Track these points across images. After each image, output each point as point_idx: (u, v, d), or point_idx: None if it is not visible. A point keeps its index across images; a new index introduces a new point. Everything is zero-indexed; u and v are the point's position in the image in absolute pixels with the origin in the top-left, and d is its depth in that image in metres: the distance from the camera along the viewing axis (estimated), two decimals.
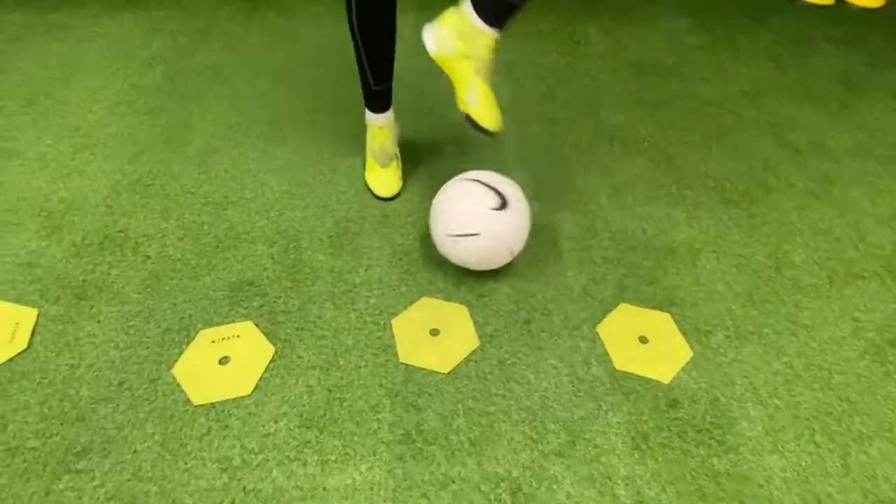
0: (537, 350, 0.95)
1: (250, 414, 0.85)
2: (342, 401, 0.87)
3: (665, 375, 0.91)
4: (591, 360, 0.93)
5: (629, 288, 1.05)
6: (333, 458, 0.80)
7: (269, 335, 0.95)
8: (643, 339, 0.96)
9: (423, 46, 0.96)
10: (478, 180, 0.99)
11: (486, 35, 0.89)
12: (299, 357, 0.92)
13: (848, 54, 1.74)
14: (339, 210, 1.19)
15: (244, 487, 0.77)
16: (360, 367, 0.91)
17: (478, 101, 1.02)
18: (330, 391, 0.88)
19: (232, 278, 1.05)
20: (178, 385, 0.88)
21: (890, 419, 0.87)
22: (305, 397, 0.87)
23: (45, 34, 1.75)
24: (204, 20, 1.83)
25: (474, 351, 0.94)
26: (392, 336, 0.95)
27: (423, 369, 0.91)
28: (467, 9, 0.90)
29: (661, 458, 0.82)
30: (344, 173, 1.28)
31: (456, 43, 0.96)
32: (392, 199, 1.19)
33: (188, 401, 0.86)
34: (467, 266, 1.02)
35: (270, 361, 0.91)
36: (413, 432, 0.83)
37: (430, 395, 0.88)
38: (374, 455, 0.81)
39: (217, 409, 0.85)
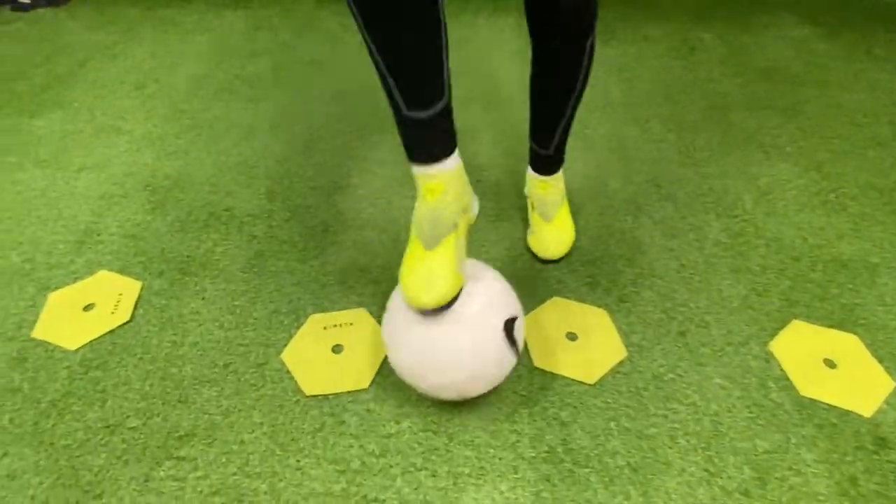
0: (698, 366, 0.80)
1: (368, 411, 0.75)
2: (471, 406, 0.75)
3: (866, 408, 0.74)
4: (767, 383, 0.78)
5: (798, 303, 0.89)
6: (467, 471, 0.68)
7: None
8: (829, 363, 0.80)
9: None
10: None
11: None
12: None
13: None
14: None
15: (365, 496, 0.66)
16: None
17: (531, 231, 0.93)
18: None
19: (342, 263, 0.97)
20: (288, 372, 0.79)
21: None
22: (429, 399, 0.76)
23: (154, 27, 1.82)
24: (304, 18, 1.85)
25: (621, 361, 0.81)
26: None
27: (561, 377, 0.78)
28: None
29: None
30: None
31: None
32: (438, 309, 0.65)
33: (298, 390, 0.77)
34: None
35: (387, 355, 0.82)
36: (559, 450, 0.70)
37: (575, 408, 0.75)
38: (516, 472, 0.68)
39: (331, 402, 0.76)
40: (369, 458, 0.69)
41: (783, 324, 0.85)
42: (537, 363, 0.79)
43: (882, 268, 0.95)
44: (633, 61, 1.60)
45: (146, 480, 0.67)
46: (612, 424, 0.72)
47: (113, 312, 0.86)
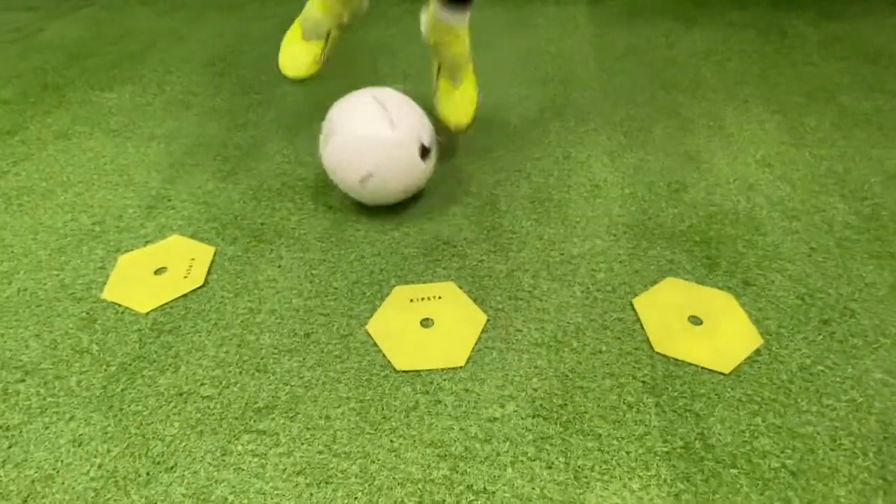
0: (852, 359, 0.69)
1: (467, 390, 0.66)
2: (585, 391, 0.66)
3: None
4: None
5: None
6: (589, 464, 0.59)
7: (476, 301, 0.77)
8: None
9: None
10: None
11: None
12: (518, 330, 0.73)
13: None
14: (536, 176, 1.02)
15: (470, 486, 0.57)
16: (600, 352, 0.70)
17: (438, 99, 0.97)
18: (566, 377, 0.67)
19: (424, 235, 0.89)
20: (374, 345, 0.72)
21: None
22: (535, 380, 0.67)
23: (218, 13, 1.82)
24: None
25: (758, 350, 0.70)
26: (636, 319, 0.74)
27: (688, 364, 0.68)
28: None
29: None
30: (535, 141, 1.12)
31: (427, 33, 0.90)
32: (301, 80, 0.97)
33: (387, 364, 0.69)
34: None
35: (482, 331, 0.74)
36: (697, 445, 0.60)
37: (710, 399, 0.65)
38: (647, 469, 0.58)
39: (423, 379, 0.67)
40: (472, 443, 0.60)
41: None
42: (658, 348, 0.69)
43: None
44: (719, 45, 1.50)
45: (223, 454, 0.60)
46: (758, 420, 0.62)
47: (185, 277, 0.81)
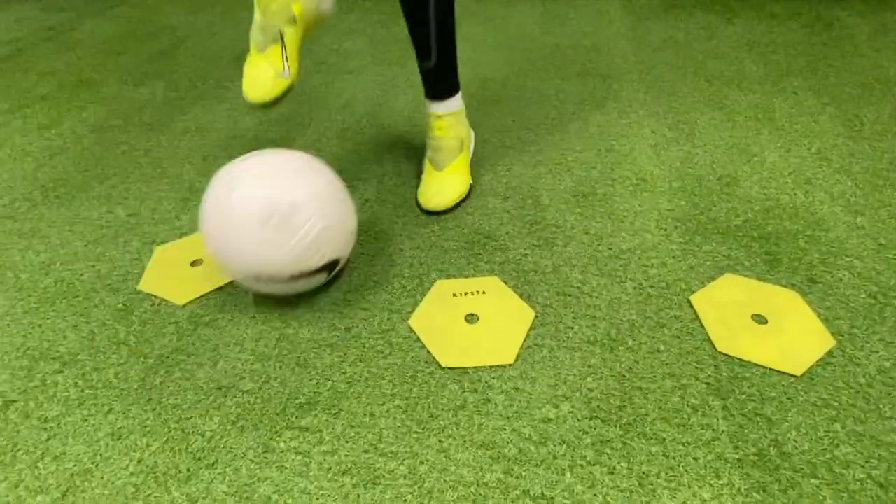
0: None
1: (517, 389, 0.63)
2: (645, 392, 0.62)
3: None
4: None
5: None
6: (654, 470, 0.55)
7: (522, 296, 0.73)
8: None
9: None
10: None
11: None
12: (568, 327, 0.70)
13: None
14: (578, 169, 0.98)
15: (527, 490, 0.54)
16: (658, 351, 0.66)
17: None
18: (623, 377, 0.64)
19: (464, 229, 0.86)
20: (417, 340, 0.69)
21: None
22: (590, 380, 0.63)
23: (249, 7, 1.81)
24: (394, 2, 1.83)
25: (830, 351, 0.66)
26: (695, 317, 0.70)
27: (754, 365, 0.63)
28: None
29: None
30: (576, 134, 1.08)
31: None
32: (266, 105, 0.77)
33: (432, 360, 0.66)
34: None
35: (530, 328, 0.71)
36: (772, 453, 0.56)
37: (781, 402, 0.61)
38: (718, 477, 0.54)
39: (471, 377, 0.65)
40: (527, 446, 0.57)
41: None
42: (720, 348, 0.65)
43: None
44: (762, 37, 1.45)
45: (265, 451, 0.58)
46: (837, 426, 0.57)
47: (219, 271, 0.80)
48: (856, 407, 0.58)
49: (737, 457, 0.55)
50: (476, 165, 1.01)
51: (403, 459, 0.56)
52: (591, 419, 0.59)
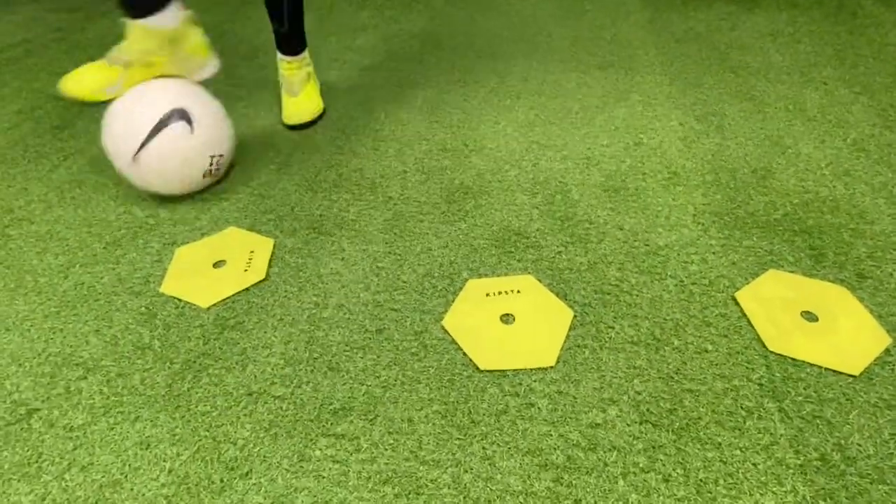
0: None
1: (560, 393, 0.61)
2: (696, 394, 0.59)
3: None
4: None
5: None
6: (712, 477, 0.53)
7: (559, 295, 0.70)
8: None
9: None
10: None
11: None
12: (609, 327, 0.67)
13: None
14: (607, 164, 0.96)
15: (579, 501, 0.50)
16: (706, 351, 0.64)
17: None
18: (671, 379, 0.61)
19: (493, 226, 0.84)
20: (452, 342, 0.66)
21: None
22: (637, 382, 0.61)
23: (258, 6, 1.77)
24: None
25: (887, 349, 0.63)
26: (741, 315, 0.67)
27: (808, 364, 0.60)
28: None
29: None
30: (602, 127, 1.06)
31: None
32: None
33: (469, 363, 0.64)
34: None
35: (570, 328, 0.68)
36: (835, 457, 0.54)
37: (840, 404, 0.58)
38: (780, 484, 0.52)
39: (511, 380, 0.62)
40: (575, 452, 0.55)
41: None
42: (771, 347, 0.62)
43: None
44: (786, 27, 1.41)
45: (301, 460, 0.56)
46: None
47: (246, 270, 0.77)
48: None
49: (798, 462, 0.52)
50: (501, 160, 0.98)
51: (446, 468, 0.54)
52: (640, 423, 0.56)
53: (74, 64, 1.48)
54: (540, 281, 0.73)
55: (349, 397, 0.60)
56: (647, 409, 0.57)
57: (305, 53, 1.13)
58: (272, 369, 0.64)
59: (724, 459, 0.53)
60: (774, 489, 0.50)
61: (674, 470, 0.52)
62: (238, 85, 1.31)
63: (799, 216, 0.81)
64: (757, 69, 1.22)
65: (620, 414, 0.57)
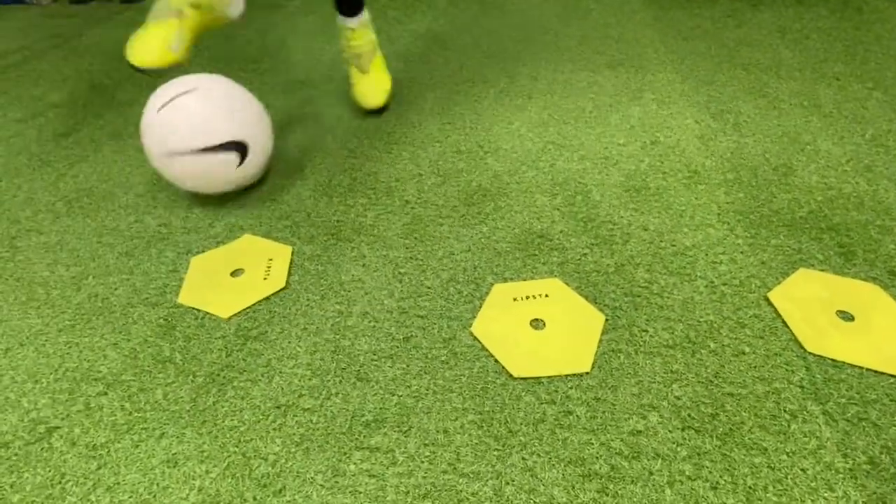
0: None
1: (598, 399, 0.59)
2: (737, 398, 0.58)
3: None
4: None
5: None
6: (761, 484, 0.51)
7: (588, 299, 0.68)
8: None
9: None
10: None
11: None
12: (643, 331, 0.66)
13: None
14: (625, 163, 0.95)
15: None
16: (743, 354, 0.63)
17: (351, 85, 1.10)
18: (710, 382, 0.60)
19: (515, 229, 0.82)
20: (483, 348, 0.64)
21: None
22: (676, 387, 0.60)
23: (263, 8, 1.77)
24: None
25: None
26: (776, 315, 0.66)
27: (848, 365, 0.59)
28: None
29: None
30: (617, 126, 1.04)
31: None
32: (146, 72, 0.84)
33: (501, 370, 0.63)
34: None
35: (602, 332, 0.67)
36: (885, 461, 0.52)
37: (884, 405, 0.57)
38: (831, 489, 0.51)
39: (546, 388, 0.61)
40: (618, 461, 0.53)
41: None
42: (810, 347, 0.61)
43: None
44: (793, 23, 1.41)
45: (335, 475, 0.54)
46: None
47: (265, 279, 0.75)
48: None
49: (847, 466, 0.51)
50: (517, 161, 0.97)
51: (487, 480, 0.52)
52: (683, 429, 0.55)
53: (75, 70, 1.46)
54: (567, 284, 0.72)
55: (381, 408, 0.59)
56: (689, 415, 0.56)
57: (366, 14, 1.07)
58: (299, 380, 0.62)
59: (772, 465, 0.52)
60: (826, 495, 0.49)
61: (721, 477, 0.51)
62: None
63: (825, 213, 0.80)
64: (768, 66, 1.22)
65: (661, 420, 0.56)
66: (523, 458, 0.53)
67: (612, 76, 1.22)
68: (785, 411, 0.56)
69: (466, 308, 0.70)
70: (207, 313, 0.71)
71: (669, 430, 0.55)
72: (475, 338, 0.65)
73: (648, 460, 0.53)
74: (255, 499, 0.52)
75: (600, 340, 0.64)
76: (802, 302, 0.66)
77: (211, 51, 1.49)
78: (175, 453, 0.56)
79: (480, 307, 0.69)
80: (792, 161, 0.92)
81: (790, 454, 0.52)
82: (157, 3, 0.83)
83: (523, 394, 0.59)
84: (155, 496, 0.53)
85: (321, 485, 0.53)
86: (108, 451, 0.57)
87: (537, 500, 0.50)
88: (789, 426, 0.54)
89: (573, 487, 0.51)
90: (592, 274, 0.73)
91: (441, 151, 1.01)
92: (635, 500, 0.50)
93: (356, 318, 0.69)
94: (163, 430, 0.59)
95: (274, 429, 0.58)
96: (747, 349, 0.62)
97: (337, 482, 0.53)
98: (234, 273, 0.77)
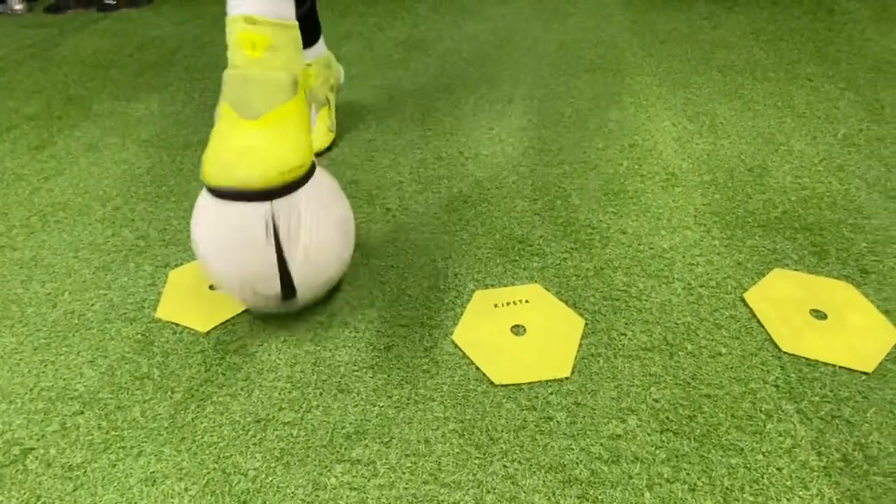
0: None
1: (578, 404, 0.60)
2: (714, 399, 0.59)
3: None
4: None
5: None
6: (738, 484, 0.52)
7: (568, 303, 0.69)
8: None
9: None
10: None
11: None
12: (621, 334, 0.67)
13: None
14: (605, 167, 0.95)
15: None
16: (720, 355, 0.63)
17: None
18: (688, 384, 0.61)
19: (495, 235, 0.83)
20: (464, 356, 0.65)
21: None
22: (654, 390, 0.60)
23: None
24: (389, 4, 1.79)
25: None
26: (751, 315, 0.67)
27: (821, 364, 0.61)
28: None
29: None
30: (595, 130, 1.06)
31: None
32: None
33: (482, 378, 0.63)
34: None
35: (582, 337, 0.67)
36: (858, 458, 0.53)
37: (857, 402, 0.58)
38: (806, 488, 0.52)
39: (527, 394, 0.61)
40: (598, 466, 0.54)
41: None
42: (784, 347, 0.62)
43: None
44: (767, 25, 1.44)
45: (315, 489, 0.54)
46: None
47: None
48: None
49: (822, 464, 0.52)
50: (498, 167, 0.97)
51: (468, 489, 0.52)
52: (661, 432, 0.55)
53: (51, 82, 1.44)
54: (547, 289, 0.72)
55: (362, 420, 0.59)
56: (667, 417, 0.57)
57: (324, 50, 1.06)
58: (279, 394, 0.62)
59: (748, 465, 0.52)
60: (801, 493, 0.50)
61: (699, 479, 0.52)
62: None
63: (798, 213, 0.82)
64: (742, 68, 1.24)
65: (640, 423, 0.56)
66: (504, 466, 0.54)
67: (591, 80, 1.24)
68: (760, 411, 0.57)
69: (448, 315, 0.70)
70: (186, 327, 0.71)
71: (648, 434, 0.55)
72: (457, 345, 0.66)
73: (628, 464, 0.53)
74: None
75: (580, 345, 0.65)
76: (777, 302, 0.67)
77: (188, 60, 1.48)
78: (153, 472, 0.56)
79: (462, 314, 0.70)
80: (766, 162, 0.93)
81: (766, 454, 0.53)
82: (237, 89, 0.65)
83: (504, 401, 0.60)
84: None
85: (302, 499, 0.52)
86: (85, 472, 0.56)
87: None
88: (765, 426, 0.55)
89: (553, 494, 0.51)
90: (572, 278, 0.74)
91: (422, 158, 1.02)
92: None
93: (336, 328, 0.69)
94: (141, 448, 0.58)
95: (254, 443, 0.57)
96: (724, 350, 0.63)
97: (317, 496, 0.53)
98: (213, 286, 0.76)
